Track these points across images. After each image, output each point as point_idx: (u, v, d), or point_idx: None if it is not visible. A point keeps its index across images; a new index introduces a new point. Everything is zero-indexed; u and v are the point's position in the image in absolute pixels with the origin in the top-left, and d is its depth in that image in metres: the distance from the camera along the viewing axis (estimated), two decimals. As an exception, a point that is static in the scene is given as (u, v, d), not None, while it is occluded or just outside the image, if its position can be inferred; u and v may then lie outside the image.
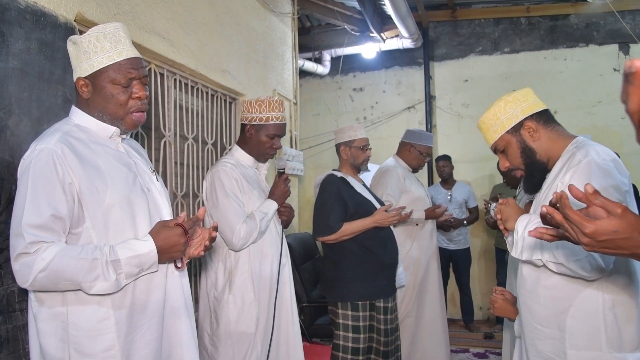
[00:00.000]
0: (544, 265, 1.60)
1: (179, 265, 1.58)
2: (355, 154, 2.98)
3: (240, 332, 2.29)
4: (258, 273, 2.34)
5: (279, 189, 2.48)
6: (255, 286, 2.32)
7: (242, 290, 2.31)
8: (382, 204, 3.01)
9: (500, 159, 1.82)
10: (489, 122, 1.78)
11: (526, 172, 1.76)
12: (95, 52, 1.52)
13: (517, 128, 1.72)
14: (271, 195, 2.47)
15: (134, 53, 1.59)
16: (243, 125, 2.49)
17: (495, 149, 1.81)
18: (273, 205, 2.43)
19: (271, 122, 2.42)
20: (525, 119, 1.71)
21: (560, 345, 1.58)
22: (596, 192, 0.97)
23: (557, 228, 1.09)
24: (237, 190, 2.35)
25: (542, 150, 1.71)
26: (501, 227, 1.77)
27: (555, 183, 1.63)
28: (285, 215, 2.54)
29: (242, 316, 2.29)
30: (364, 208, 2.84)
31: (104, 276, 1.38)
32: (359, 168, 3.03)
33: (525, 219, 1.66)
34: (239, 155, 2.49)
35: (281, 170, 2.53)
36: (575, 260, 1.49)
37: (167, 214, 1.64)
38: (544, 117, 1.73)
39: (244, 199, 2.36)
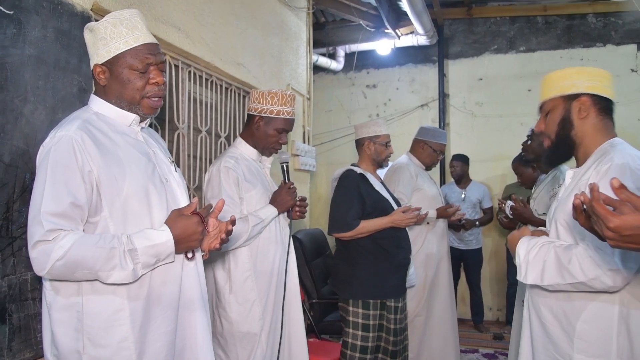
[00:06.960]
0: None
1: (190, 256, 1.56)
2: (379, 150, 2.95)
3: (243, 332, 2.26)
4: (261, 271, 2.30)
5: (282, 197, 2.39)
6: (258, 285, 2.28)
7: (243, 289, 2.26)
8: (398, 203, 2.99)
9: (539, 120, 1.74)
10: (552, 79, 1.69)
11: (554, 142, 1.69)
12: (112, 38, 1.50)
13: (571, 98, 1.64)
14: (273, 202, 2.39)
15: (151, 39, 1.57)
16: (250, 116, 2.43)
17: (541, 108, 1.73)
18: (272, 212, 2.35)
19: (281, 116, 2.38)
20: (585, 94, 1.63)
21: (568, 349, 1.55)
22: (622, 186, 0.96)
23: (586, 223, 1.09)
24: (235, 192, 2.28)
25: (581, 132, 1.64)
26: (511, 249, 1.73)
27: (582, 181, 1.58)
28: (298, 214, 2.48)
29: (245, 316, 2.26)
30: (381, 206, 2.81)
31: (122, 265, 1.37)
32: (381, 164, 3.00)
33: (526, 241, 1.63)
34: (243, 149, 2.44)
35: (284, 164, 2.48)
36: (595, 278, 1.44)
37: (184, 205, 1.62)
38: (602, 105, 1.64)
39: (246, 196, 2.30)
